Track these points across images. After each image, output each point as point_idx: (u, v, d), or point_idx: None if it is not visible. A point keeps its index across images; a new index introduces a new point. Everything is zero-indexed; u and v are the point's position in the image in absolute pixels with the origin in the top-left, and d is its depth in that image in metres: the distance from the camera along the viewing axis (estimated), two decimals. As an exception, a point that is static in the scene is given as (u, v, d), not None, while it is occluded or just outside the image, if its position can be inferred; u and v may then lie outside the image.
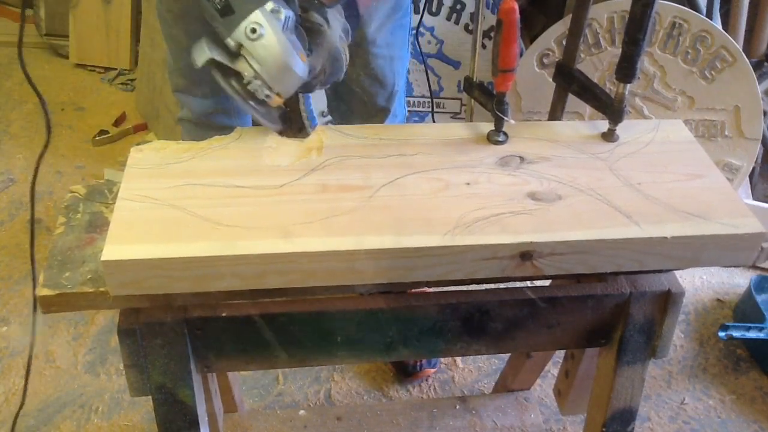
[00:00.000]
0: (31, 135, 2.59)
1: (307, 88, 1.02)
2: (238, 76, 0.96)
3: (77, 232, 0.96)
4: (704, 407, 1.70)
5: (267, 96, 0.96)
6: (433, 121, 2.23)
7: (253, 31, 0.91)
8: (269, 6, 0.92)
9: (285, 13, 0.93)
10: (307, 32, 0.99)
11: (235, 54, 0.95)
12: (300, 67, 0.95)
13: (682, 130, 1.09)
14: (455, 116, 2.34)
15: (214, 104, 1.44)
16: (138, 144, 1.02)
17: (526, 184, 0.97)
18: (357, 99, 1.50)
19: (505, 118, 1.04)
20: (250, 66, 0.94)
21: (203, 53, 0.95)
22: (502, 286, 1.01)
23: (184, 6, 1.28)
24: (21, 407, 1.32)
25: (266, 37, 0.92)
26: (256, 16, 0.92)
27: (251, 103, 0.98)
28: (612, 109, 1.05)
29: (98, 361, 1.75)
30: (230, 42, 0.93)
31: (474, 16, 2.16)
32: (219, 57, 0.95)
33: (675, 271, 1.03)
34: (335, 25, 1.00)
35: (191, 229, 0.86)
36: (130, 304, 0.92)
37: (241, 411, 1.52)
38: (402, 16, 1.43)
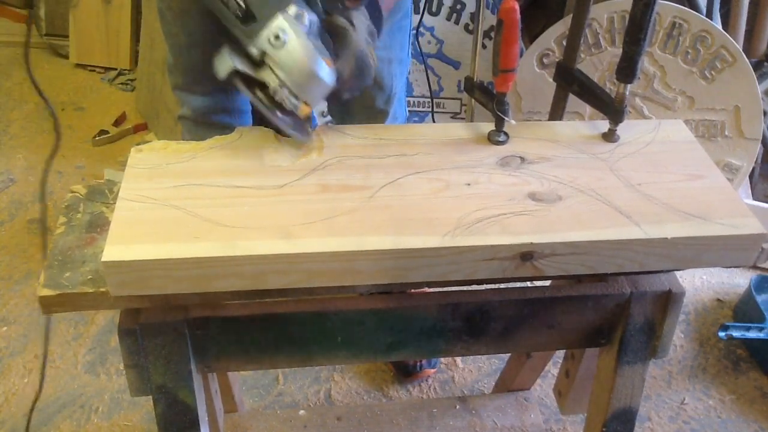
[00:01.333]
0: (31, 135, 2.59)
1: (336, 96, 0.98)
2: (262, 85, 0.92)
3: (78, 232, 0.96)
4: (704, 407, 1.70)
5: (294, 105, 0.92)
6: (433, 121, 2.23)
7: (277, 37, 0.88)
8: (292, 10, 0.88)
9: (309, 17, 0.90)
10: (332, 36, 0.94)
11: (259, 62, 0.91)
12: (326, 73, 0.91)
13: (683, 130, 1.09)
14: (455, 116, 2.34)
15: (214, 102, 1.44)
16: (138, 144, 1.02)
17: (527, 184, 0.97)
18: (355, 101, 1.49)
19: (506, 119, 1.04)
20: (275, 74, 0.90)
21: (226, 63, 0.91)
22: (502, 286, 1.01)
23: (184, 3, 1.28)
24: (35, 402, 1.33)
25: (290, 44, 0.88)
26: (280, 22, 0.88)
27: (278, 113, 0.94)
28: (612, 110, 1.05)
29: (98, 361, 1.75)
30: (253, 50, 0.89)
31: (474, 16, 2.16)
32: (242, 66, 0.91)
33: (675, 271, 1.03)
34: (361, 28, 0.96)
35: (191, 229, 0.86)
36: (131, 305, 0.92)
37: (241, 411, 1.52)
38: (401, 18, 1.42)
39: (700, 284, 2.04)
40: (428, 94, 2.27)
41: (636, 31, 0.99)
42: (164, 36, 1.39)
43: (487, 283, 0.95)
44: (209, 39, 1.39)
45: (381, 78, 1.44)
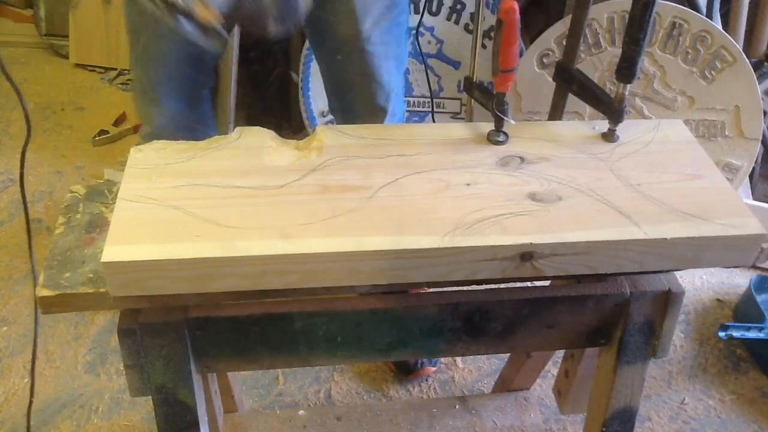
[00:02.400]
0: (32, 135, 2.59)
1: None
2: None
3: (77, 233, 0.96)
4: (704, 407, 1.70)
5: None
6: (433, 121, 2.23)
7: None
8: None
9: None
10: None
11: None
12: None
13: (682, 130, 1.09)
14: (455, 116, 2.34)
15: (176, 118, 1.44)
16: (138, 144, 1.02)
17: (527, 184, 0.97)
18: (356, 99, 1.49)
19: (506, 118, 1.04)
20: None
21: None
22: (502, 286, 1.01)
23: (145, 15, 1.27)
24: (30, 405, 1.34)
25: None
26: None
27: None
28: (612, 110, 1.05)
29: (98, 361, 1.75)
30: None
31: (474, 16, 2.16)
32: None
33: (675, 271, 1.03)
34: None
35: (191, 229, 0.86)
36: (130, 305, 0.92)
37: (241, 411, 1.52)
38: (398, 14, 1.42)
39: (700, 284, 2.04)
40: (428, 94, 2.27)
41: (636, 31, 0.99)
42: (130, 57, 1.39)
43: (486, 284, 0.95)
44: (167, 53, 1.37)
45: (380, 74, 1.45)
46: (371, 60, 1.42)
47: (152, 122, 1.46)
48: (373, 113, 1.51)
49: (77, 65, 3.01)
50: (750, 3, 2.08)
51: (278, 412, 1.53)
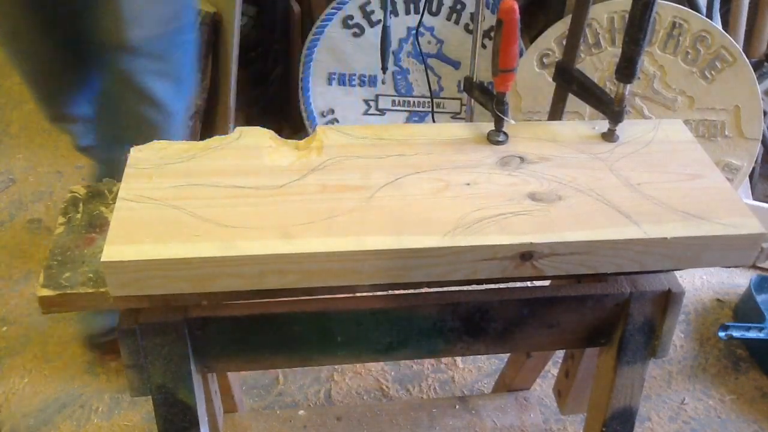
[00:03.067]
0: (31, 135, 2.59)
1: None
2: None
3: (77, 232, 0.96)
4: (704, 407, 1.70)
5: None
6: (433, 121, 2.23)
7: None
8: None
9: None
10: None
11: None
12: None
13: (682, 130, 1.09)
14: (455, 116, 2.34)
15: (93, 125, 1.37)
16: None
17: (526, 184, 0.97)
18: (122, 116, 1.35)
19: (506, 118, 1.04)
20: None
21: None
22: (502, 285, 1.01)
23: (15, 21, 1.21)
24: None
25: None
26: None
27: None
28: (612, 110, 1.05)
29: (98, 361, 1.75)
30: None
31: (474, 16, 2.16)
32: None
33: (675, 271, 1.03)
34: None
35: (191, 229, 0.86)
36: (130, 305, 0.92)
37: (241, 411, 1.52)
38: (180, 31, 1.29)
39: (700, 284, 2.04)
40: (428, 94, 2.27)
41: (635, 31, 0.99)
42: (15, 70, 1.31)
43: (486, 283, 0.95)
44: (54, 58, 1.28)
45: (151, 92, 1.32)
46: (140, 75, 1.29)
47: (73, 133, 1.38)
48: (141, 131, 1.34)
49: (77, 65, 3.00)
50: (750, 3, 2.08)
51: (278, 412, 1.53)
